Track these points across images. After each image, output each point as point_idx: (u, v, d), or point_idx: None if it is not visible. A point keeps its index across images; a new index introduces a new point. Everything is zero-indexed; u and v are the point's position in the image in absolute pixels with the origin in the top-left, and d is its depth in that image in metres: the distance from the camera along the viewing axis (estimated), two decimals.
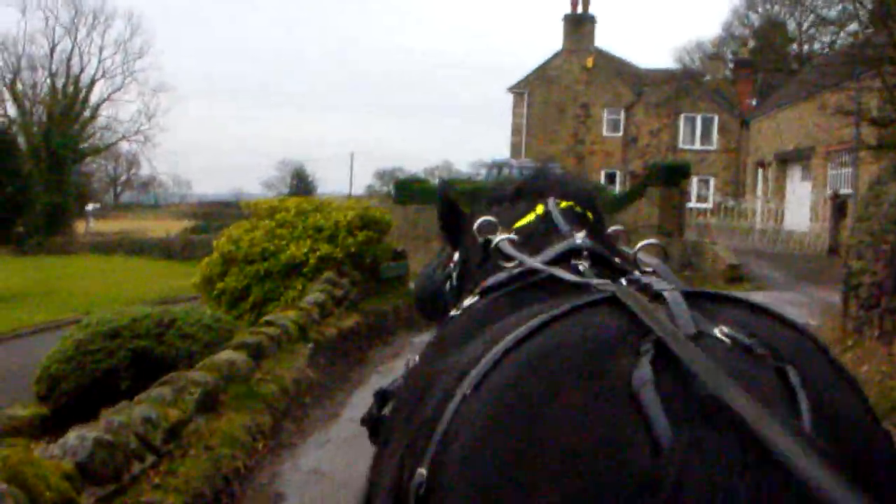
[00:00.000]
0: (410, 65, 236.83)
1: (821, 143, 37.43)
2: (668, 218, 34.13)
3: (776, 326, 1.82)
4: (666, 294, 1.84)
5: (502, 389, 1.72)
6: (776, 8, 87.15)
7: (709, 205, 45.51)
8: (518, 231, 2.70)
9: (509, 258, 2.51)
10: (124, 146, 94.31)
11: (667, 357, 1.57)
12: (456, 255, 3.13)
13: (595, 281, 2.09)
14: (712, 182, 54.52)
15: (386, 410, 2.41)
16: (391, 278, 18.36)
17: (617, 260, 2.55)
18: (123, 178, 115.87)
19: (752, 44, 67.41)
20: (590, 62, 59.48)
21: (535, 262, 2.39)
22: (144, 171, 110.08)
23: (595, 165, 59.53)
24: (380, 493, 2.03)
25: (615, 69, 60.78)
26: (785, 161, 43.80)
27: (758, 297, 18.16)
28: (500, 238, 2.62)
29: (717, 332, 1.69)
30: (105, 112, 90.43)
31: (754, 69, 60.46)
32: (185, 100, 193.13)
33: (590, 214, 2.83)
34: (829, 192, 35.10)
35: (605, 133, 60.18)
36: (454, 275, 3.09)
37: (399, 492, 1.87)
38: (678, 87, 57.17)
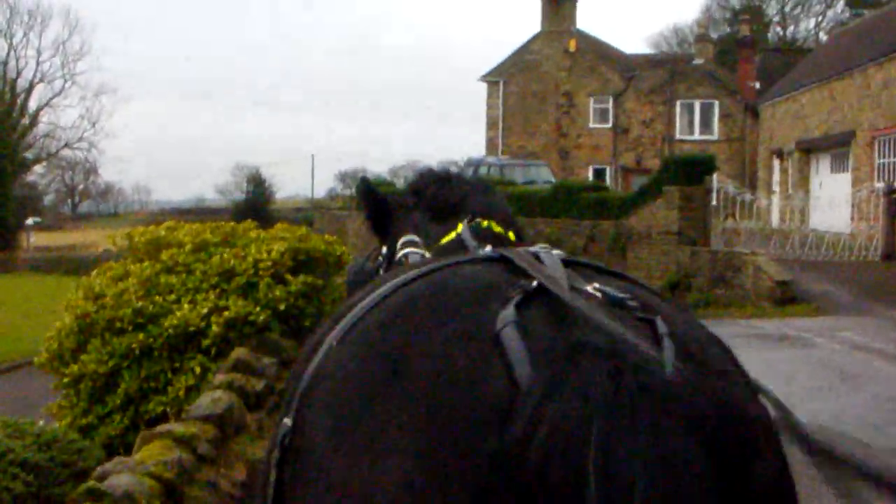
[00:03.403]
0: (372, 59, 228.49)
1: (863, 127, 31.48)
2: (691, 223, 28.16)
3: (647, 292, 1.96)
4: (543, 256, 2.00)
5: (369, 332, 1.81)
6: None
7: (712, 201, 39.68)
8: (437, 250, 2.88)
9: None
10: (77, 153, 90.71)
11: (534, 301, 1.71)
12: (384, 249, 3.27)
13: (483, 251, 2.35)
14: (715, 177, 48.59)
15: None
16: None
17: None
18: (81, 187, 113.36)
19: (728, 29, 62.82)
20: (572, 45, 53.49)
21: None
22: (103, 178, 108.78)
23: (581, 160, 53.72)
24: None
25: (600, 53, 54.93)
26: (809, 150, 37.96)
27: (845, 332, 11.98)
28: (407, 251, 2.90)
29: (589, 288, 1.83)
30: (45, 118, 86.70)
31: (755, 49, 54.59)
32: (131, 102, 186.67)
33: (511, 235, 3.02)
34: (879, 185, 29.29)
35: (591, 124, 54.16)
36: (381, 269, 3.17)
37: (273, 447, 1.90)
38: (672, 71, 51.51)
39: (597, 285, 1.82)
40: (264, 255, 10.97)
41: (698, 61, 55.34)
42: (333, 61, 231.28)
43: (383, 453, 1.55)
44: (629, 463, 1.35)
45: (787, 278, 23.52)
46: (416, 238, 3.02)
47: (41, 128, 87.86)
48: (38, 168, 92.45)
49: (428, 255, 2.84)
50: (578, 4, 55.11)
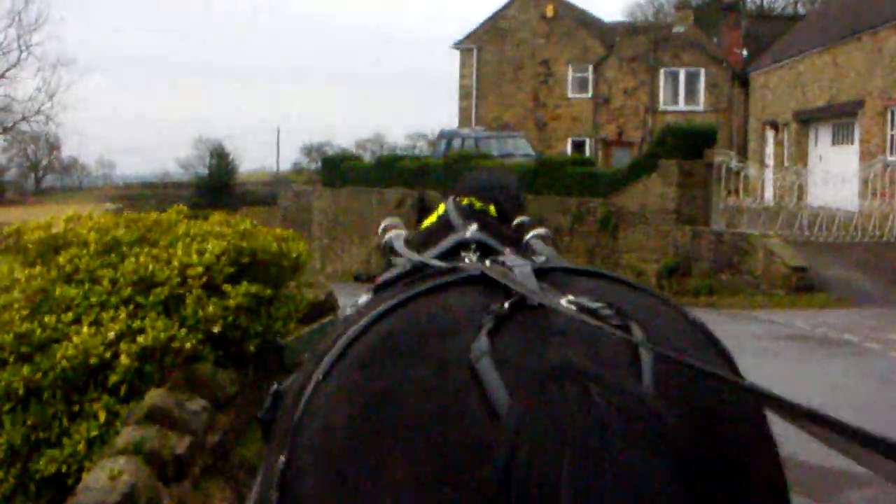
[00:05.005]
0: (339, 29, 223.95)
1: (873, 96, 28.95)
2: (691, 201, 25.59)
3: (629, 292, 2.01)
4: (516, 269, 2.04)
5: (350, 372, 1.83)
6: None
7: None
8: (423, 231, 3.09)
9: (399, 255, 2.72)
10: (35, 126, 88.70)
11: (506, 326, 1.75)
12: None
13: (462, 265, 2.30)
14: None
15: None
16: None
17: (507, 250, 2.60)
18: (44, 161, 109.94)
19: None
20: (550, 10, 50.88)
21: (417, 256, 2.53)
22: (66, 152, 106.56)
23: (560, 132, 51.17)
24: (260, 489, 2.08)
25: (579, 20, 52.34)
26: (808, 121, 35.48)
27: (892, 334, 9.82)
28: (389, 236, 2.93)
29: (563, 301, 1.84)
30: (1, 91, 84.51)
31: (741, 15, 52.15)
32: (90, 73, 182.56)
33: (491, 208, 3.11)
34: (893, 158, 26.90)
35: (570, 94, 51.46)
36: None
37: (270, 482, 1.92)
38: (655, 39, 49.01)
39: (571, 297, 1.85)
40: (194, 258, 8.29)
41: (679, 29, 52.87)
42: (299, 32, 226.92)
43: (373, 497, 1.58)
44: (600, 490, 1.36)
45: (803, 264, 21.21)
46: (396, 219, 3.11)
47: None
48: None
49: (402, 232, 2.96)
50: None
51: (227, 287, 8.31)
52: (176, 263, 8.26)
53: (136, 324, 7.83)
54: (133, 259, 8.35)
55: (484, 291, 1.94)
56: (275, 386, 2.34)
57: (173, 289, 8.13)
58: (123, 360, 7.56)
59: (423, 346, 1.76)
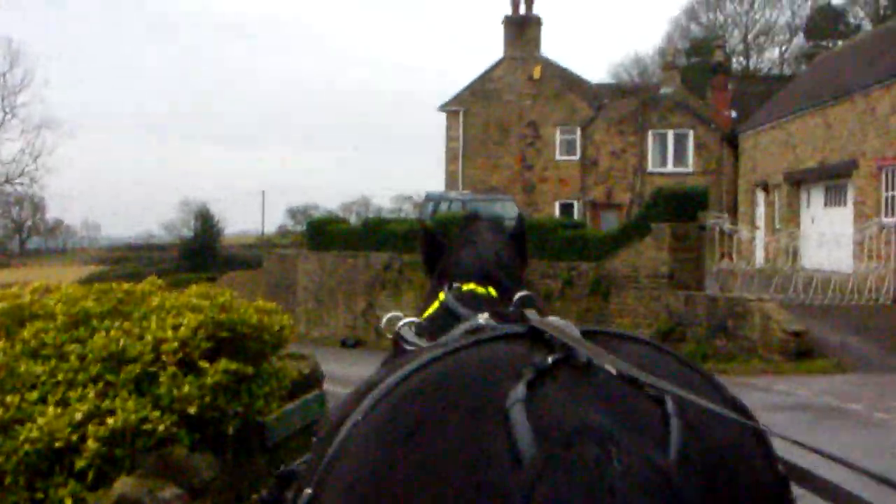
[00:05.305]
0: (326, 92, 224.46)
1: (867, 156, 28.63)
2: (684, 264, 25.15)
3: (669, 362, 2.02)
4: (565, 329, 2.02)
5: (388, 413, 1.87)
6: (720, 18, 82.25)
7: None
8: (427, 319, 3.00)
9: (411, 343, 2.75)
10: (18, 188, 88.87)
11: (546, 379, 1.77)
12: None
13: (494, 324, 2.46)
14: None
15: (288, 494, 2.37)
16: (292, 437, 8.91)
17: None
18: (29, 223, 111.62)
19: (686, 60, 61.29)
20: (537, 72, 50.67)
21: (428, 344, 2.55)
22: (51, 214, 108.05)
23: (547, 194, 50.85)
24: None
25: (566, 81, 52.12)
26: (800, 182, 35.19)
27: None
28: (398, 326, 2.91)
29: (606, 364, 1.84)
30: None
31: (728, 76, 52.11)
32: (75, 136, 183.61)
33: (492, 290, 3.11)
34: (888, 220, 26.74)
35: (558, 156, 51.10)
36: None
37: None
38: (643, 100, 48.83)
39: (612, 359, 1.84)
40: (169, 333, 7.77)
41: (667, 90, 52.83)
42: (286, 95, 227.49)
43: None
44: None
45: (801, 328, 20.74)
46: (398, 314, 3.08)
47: None
48: None
49: (411, 319, 2.96)
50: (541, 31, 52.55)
51: (204, 364, 7.81)
52: (149, 338, 7.76)
53: (106, 404, 7.32)
54: (103, 333, 7.83)
55: (530, 346, 1.98)
56: (281, 468, 2.38)
57: (146, 366, 7.62)
58: (91, 443, 7.06)
59: (460, 391, 1.79)
